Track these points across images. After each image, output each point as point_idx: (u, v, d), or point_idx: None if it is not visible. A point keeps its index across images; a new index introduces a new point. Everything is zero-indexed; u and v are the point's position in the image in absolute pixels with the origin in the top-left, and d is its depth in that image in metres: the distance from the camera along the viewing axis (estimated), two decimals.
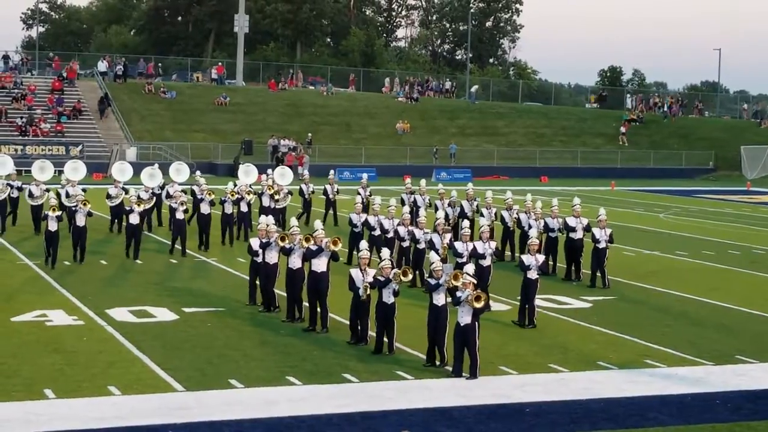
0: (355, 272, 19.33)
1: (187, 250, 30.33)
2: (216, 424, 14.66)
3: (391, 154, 71.63)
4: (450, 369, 17.71)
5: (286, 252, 21.43)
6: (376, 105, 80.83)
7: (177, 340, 19.52)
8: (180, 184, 34.26)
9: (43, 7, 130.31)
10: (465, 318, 17.31)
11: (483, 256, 23.21)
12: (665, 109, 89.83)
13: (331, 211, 38.02)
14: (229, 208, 32.82)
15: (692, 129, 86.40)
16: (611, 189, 63.56)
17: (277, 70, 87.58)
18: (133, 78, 78.00)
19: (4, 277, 26.02)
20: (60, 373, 16.96)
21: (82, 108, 68.16)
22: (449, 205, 31.88)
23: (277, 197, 35.23)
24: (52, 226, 27.09)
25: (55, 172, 37.21)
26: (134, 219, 29.37)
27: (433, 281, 18.10)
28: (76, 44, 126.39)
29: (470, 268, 18.25)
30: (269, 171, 37.44)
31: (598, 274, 26.84)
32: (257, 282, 22.81)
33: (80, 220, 28.10)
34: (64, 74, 72.45)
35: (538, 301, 23.47)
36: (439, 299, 18.09)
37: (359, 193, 36.86)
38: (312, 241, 20.82)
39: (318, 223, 21.69)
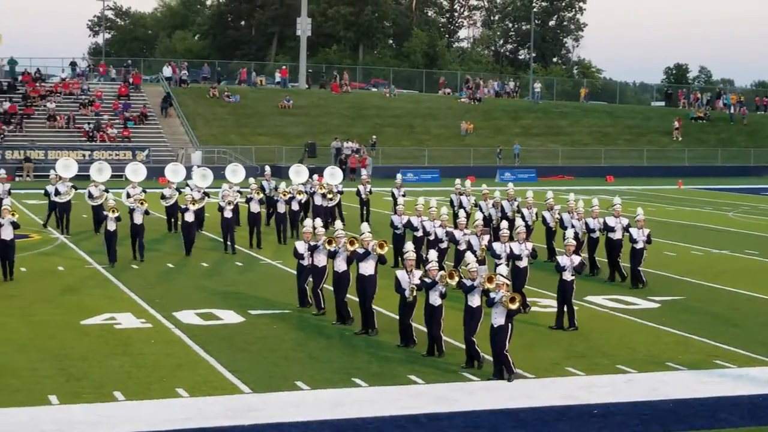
0: (401, 274, 19.26)
1: (244, 249, 31.11)
2: (283, 426, 14.72)
3: (454, 155, 71.45)
4: (463, 367, 17.73)
5: (332, 255, 21.45)
6: (439, 106, 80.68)
7: (243, 343, 19.63)
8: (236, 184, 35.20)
9: (109, 13, 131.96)
10: (498, 319, 17.19)
11: (519, 257, 22.96)
12: (729, 106, 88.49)
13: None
14: (282, 208, 33.69)
15: (760, 126, 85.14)
16: (678, 187, 62.79)
17: (331, 72, 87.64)
18: (197, 83, 78.70)
19: (73, 280, 26.38)
20: (129, 375, 17.14)
21: (147, 113, 68.91)
22: (493, 206, 31.78)
23: (330, 196, 35.71)
24: (111, 225, 28.15)
25: (122, 177, 37.63)
26: (189, 217, 30.54)
27: (468, 282, 18.03)
28: (141, 50, 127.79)
29: (504, 269, 18.08)
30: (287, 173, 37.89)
31: (614, 269, 26.79)
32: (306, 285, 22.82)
33: (137, 219, 29.29)
34: (130, 80, 73.32)
35: (605, 302, 23.32)
36: (474, 300, 17.99)
37: (393, 194, 37.10)
38: (357, 244, 20.82)
39: (365, 226, 21.66)
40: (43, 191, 36.66)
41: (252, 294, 24.73)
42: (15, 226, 26.22)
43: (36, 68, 74.11)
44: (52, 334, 20.01)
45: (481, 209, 31.81)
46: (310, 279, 22.36)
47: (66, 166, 36.81)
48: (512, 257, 22.90)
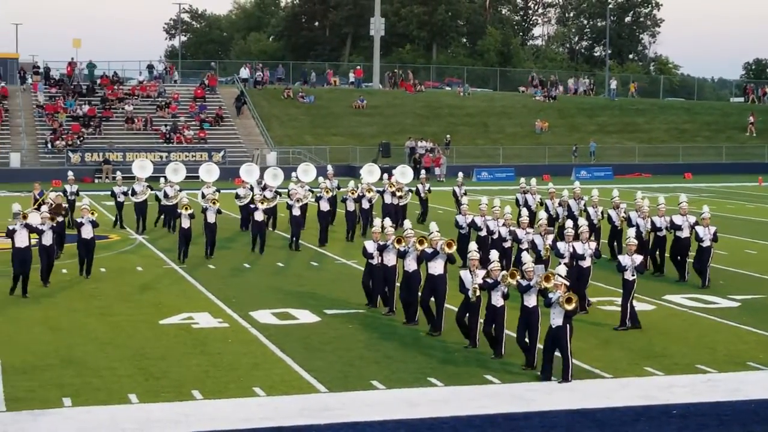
0: (464, 274, 19.12)
1: (313, 246, 31.87)
2: (359, 425, 14.73)
3: (529, 153, 71.03)
4: (539, 372, 17.45)
5: (401, 255, 21.39)
6: (514, 104, 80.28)
7: (319, 342, 19.70)
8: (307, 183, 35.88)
9: (185, 16, 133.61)
10: (557, 320, 16.97)
11: (582, 257, 22.68)
12: None
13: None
14: (351, 206, 34.08)
15: None
16: (759, 184, 61.70)
17: (406, 71, 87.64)
18: (272, 84, 79.26)
19: (152, 279, 26.72)
20: (206, 374, 17.30)
21: (223, 115, 69.57)
22: (559, 204, 31.50)
23: (399, 194, 35.85)
24: (185, 223, 28.91)
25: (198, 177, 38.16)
26: (259, 216, 30.99)
27: (524, 282, 17.86)
28: (217, 52, 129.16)
29: (562, 269, 17.86)
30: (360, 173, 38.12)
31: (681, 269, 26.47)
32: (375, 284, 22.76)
33: (210, 218, 29.85)
34: (206, 82, 74.09)
35: (684, 301, 23.00)
36: (530, 300, 17.80)
37: (455, 193, 37.10)
38: (426, 244, 20.72)
39: (433, 225, 21.57)
40: (110, 192, 37.45)
41: (327, 293, 24.81)
42: (94, 225, 26.77)
43: (114, 72, 75.29)
44: (131, 334, 20.28)
45: (547, 208, 31.61)
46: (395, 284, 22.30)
47: (142, 167, 37.61)
48: (575, 257, 22.68)
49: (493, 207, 27.33)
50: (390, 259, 21.93)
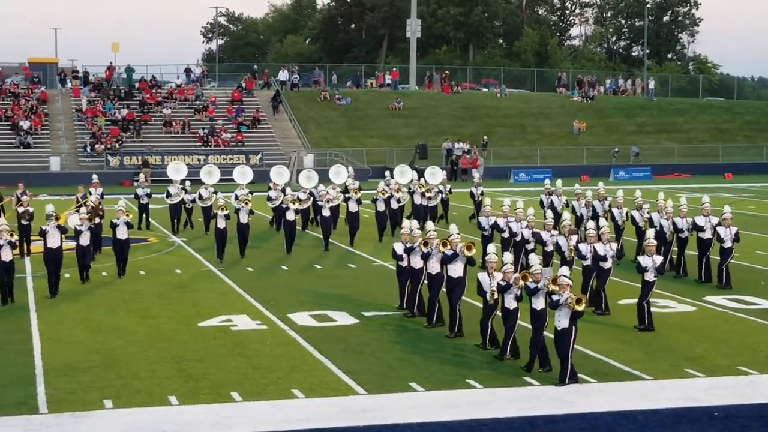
0: (482, 276, 19.00)
1: (344, 246, 32.44)
2: (398, 427, 14.72)
3: (567, 154, 70.71)
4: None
5: (424, 257, 21.33)
6: (551, 105, 79.93)
7: (357, 344, 19.70)
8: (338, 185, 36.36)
9: (222, 20, 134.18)
10: (562, 322, 16.84)
11: (604, 258, 22.52)
12: None
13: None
14: (381, 206, 34.49)
15: None
16: None
17: (441, 72, 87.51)
18: (308, 86, 79.43)
19: (190, 282, 26.83)
20: (245, 376, 17.35)
21: (260, 117, 69.83)
22: (585, 205, 31.29)
23: (429, 195, 36.03)
24: (221, 223, 29.43)
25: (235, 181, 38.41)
26: (290, 216, 31.65)
27: (531, 285, 17.74)
28: (254, 55, 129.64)
29: (565, 270, 17.61)
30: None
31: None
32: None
33: (243, 218, 30.51)
34: (243, 85, 74.38)
35: (725, 302, 22.78)
36: (538, 303, 17.69)
37: (472, 194, 37.25)
38: (449, 246, 20.64)
39: (453, 227, 21.49)
40: (133, 195, 37.77)
41: (364, 295, 24.81)
42: (129, 225, 27.48)
43: (152, 75, 75.76)
44: (171, 336, 20.38)
45: (573, 209, 31.49)
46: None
47: (176, 169, 38.20)
48: (597, 258, 22.52)
49: (516, 208, 27.12)
50: (416, 261, 21.87)
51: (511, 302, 18.29)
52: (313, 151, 65.14)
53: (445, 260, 20.65)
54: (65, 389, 16.46)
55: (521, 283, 17.97)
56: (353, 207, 33.79)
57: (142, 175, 40.25)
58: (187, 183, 36.85)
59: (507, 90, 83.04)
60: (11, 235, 23.59)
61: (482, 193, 37.33)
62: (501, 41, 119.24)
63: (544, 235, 24.90)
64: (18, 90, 69.49)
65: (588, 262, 22.81)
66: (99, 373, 17.49)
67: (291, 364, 18.20)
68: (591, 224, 23.98)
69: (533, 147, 71.07)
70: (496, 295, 18.61)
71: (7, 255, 23.42)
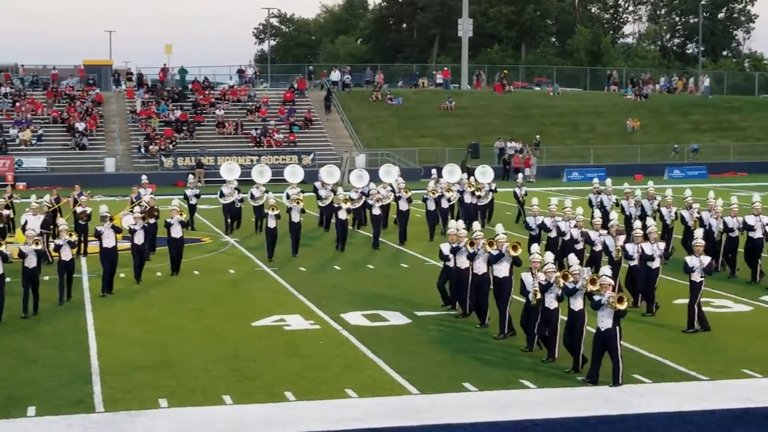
0: (526, 276, 18.84)
1: (394, 245, 32.87)
2: (451, 427, 14.69)
3: (621, 153, 70.08)
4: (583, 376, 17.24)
5: (470, 257, 21.19)
6: (604, 103, 79.29)
7: (410, 344, 19.69)
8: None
9: (274, 21, 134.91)
10: (605, 322, 16.67)
11: (651, 258, 22.24)
12: None
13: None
14: (431, 206, 34.61)
15: None
16: None
17: (494, 72, 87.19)
18: (360, 86, 79.52)
19: (244, 282, 26.98)
20: (299, 376, 17.40)
21: (312, 118, 70.02)
22: (634, 205, 30.98)
23: (478, 194, 36.13)
24: (272, 222, 29.97)
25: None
26: (342, 215, 32.10)
27: (570, 285, 17.58)
28: (306, 56, 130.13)
29: (607, 269, 17.43)
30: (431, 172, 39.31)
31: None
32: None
33: (295, 217, 30.74)
34: (295, 85, 74.64)
35: None
36: (576, 304, 17.53)
37: (515, 194, 37.60)
38: (494, 246, 20.47)
39: (499, 227, 21.32)
40: (182, 195, 37.88)
41: (417, 295, 24.75)
42: (183, 224, 28.14)
43: (204, 77, 76.25)
44: (225, 336, 20.50)
45: (623, 209, 31.22)
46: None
47: (229, 169, 38.58)
48: (644, 258, 22.27)
49: (564, 208, 26.87)
50: (462, 261, 21.73)
51: (551, 302, 18.15)
52: (365, 151, 65.19)
53: (491, 260, 20.53)
54: (121, 388, 16.62)
55: (561, 282, 17.84)
56: (403, 206, 33.99)
57: (191, 176, 40.58)
58: (234, 183, 37.00)
59: (560, 89, 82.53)
60: (70, 234, 24.34)
61: (526, 194, 37.42)
62: (553, 40, 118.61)
63: (593, 234, 24.67)
64: (73, 92, 70.32)
65: (635, 263, 22.57)
66: (154, 372, 17.64)
67: (344, 363, 18.23)
68: (638, 224, 23.74)
69: (586, 146, 70.56)
70: (539, 295, 18.47)
71: (67, 254, 24.06)
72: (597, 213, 26.05)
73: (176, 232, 27.84)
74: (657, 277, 22.57)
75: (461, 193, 36.34)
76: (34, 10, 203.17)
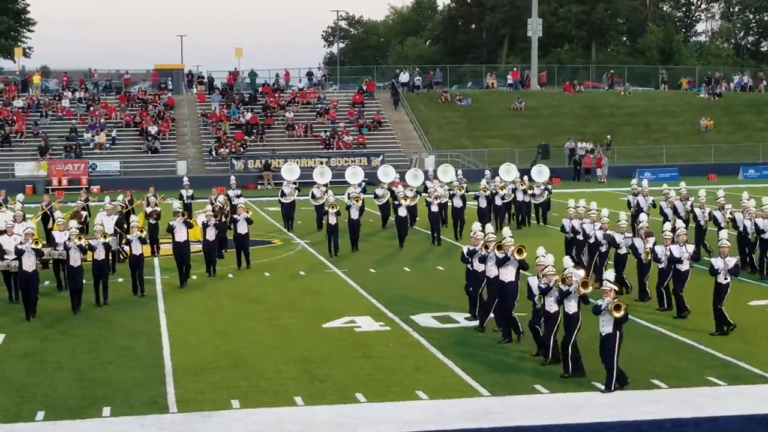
0: (532, 280, 18.45)
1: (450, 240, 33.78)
2: (522, 429, 14.62)
3: (694, 152, 69.19)
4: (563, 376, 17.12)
5: (482, 259, 20.86)
6: (677, 103, 78.32)
7: (480, 345, 19.62)
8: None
9: (343, 23, 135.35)
10: (606, 328, 16.43)
11: (680, 260, 21.78)
12: None
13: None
14: (483, 203, 35.88)
15: None
16: None
17: (572, 72, 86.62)
18: (429, 88, 79.42)
19: (314, 283, 27.09)
20: (369, 377, 17.43)
21: (381, 119, 70.12)
22: (669, 206, 30.49)
23: (531, 192, 37.53)
24: (332, 219, 31.35)
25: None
26: (402, 212, 33.63)
27: (564, 287, 17.29)
28: (374, 57, 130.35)
29: (610, 274, 17.06)
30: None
31: None
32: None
33: (354, 214, 32.46)
34: (364, 87, 74.82)
35: None
36: (570, 306, 17.24)
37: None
38: (502, 250, 20.06)
39: (506, 231, 21.02)
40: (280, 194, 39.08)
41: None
42: (248, 221, 29.31)
43: (275, 79, 76.73)
44: (295, 337, 20.60)
45: (661, 210, 30.77)
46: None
47: (290, 170, 40.48)
48: (672, 260, 21.87)
49: (589, 210, 26.35)
50: (478, 264, 21.36)
51: (551, 305, 17.76)
52: (434, 153, 65.15)
53: (498, 263, 20.13)
54: (194, 389, 16.78)
55: (560, 285, 17.49)
56: (458, 203, 35.27)
57: (233, 178, 41.27)
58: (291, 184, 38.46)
59: (631, 88, 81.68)
60: (141, 231, 25.73)
61: (536, 194, 38.30)
62: (624, 39, 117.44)
63: (618, 237, 24.18)
64: (146, 96, 71.22)
65: (663, 265, 22.17)
66: (226, 373, 17.79)
67: (414, 365, 18.22)
68: (667, 225, 23.27)
69: (658, 146, 69.78)
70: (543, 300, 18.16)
71: (137, 249, 25.39)
72: (623, 215, 25.50)
73: (242, 228, 29.12)
74: (686, 280, 22.01)
75: (514, 191, 37.45)
76: (107, 16, 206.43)
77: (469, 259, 21.60)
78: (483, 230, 21.48)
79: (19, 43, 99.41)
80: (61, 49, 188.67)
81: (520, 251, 19.79)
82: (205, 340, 20.52)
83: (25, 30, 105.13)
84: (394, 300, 24.26)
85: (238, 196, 37.19)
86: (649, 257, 22.89)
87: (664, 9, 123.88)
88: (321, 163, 57.72)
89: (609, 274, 17.10)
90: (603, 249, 24.89)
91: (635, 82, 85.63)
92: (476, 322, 21.27)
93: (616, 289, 16.76)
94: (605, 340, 16.46)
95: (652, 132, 73.07)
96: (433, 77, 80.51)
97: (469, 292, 21.91)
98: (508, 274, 19.95)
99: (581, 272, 17.92)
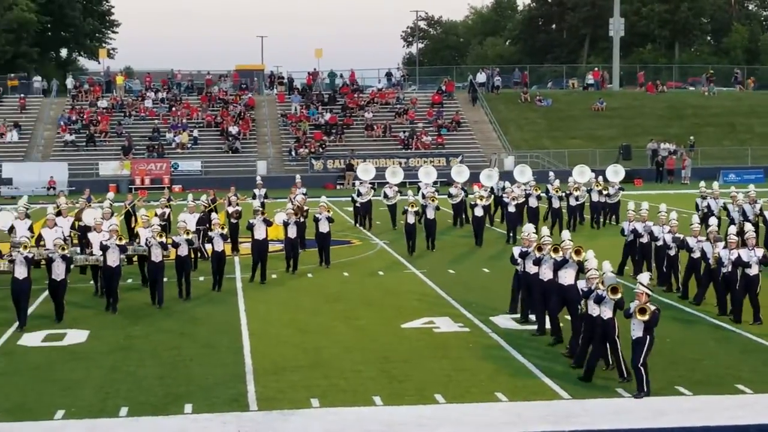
0: (581, 284, 17.95)
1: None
2: None
3: None
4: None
5: (537, 262, 20.53)
6: (763, 103, 76.85)
7: (561, 347, 19.40)
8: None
9: (422, 24, 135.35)
10: (636, 331, 16.04)
11: (748, 265, 21.17)
12: None
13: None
14: (556, 203, 35.96)
15: None
16: None
17: (655, 72, 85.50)
18: (509, 88, 79.07)
19: (393, 283, 27.09)
20: (448, 378, 17.36)
21: (460, 120, 69.95)
22: (738, 209, 29.84)
23: (606, 192, 37.78)
24: (410, 218, 31.94)
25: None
26: (479, 212, 33.88)
27: (586, 289, 16.98)
28: (453, 58, 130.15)
29: (644, 277, 16.63)
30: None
31: None
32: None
33: (430, 214, 32.67)
34: (443, 88, 74.71)
35: None
36: (605, 312, 16.83)
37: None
38: (560, 252, 19.68)
39: (565, 233, 20.66)
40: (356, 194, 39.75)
41: None
42: (330, 220, 29.86)
43: (354, 79, 76.94)
44: (375, 337, 20.61)
45: (728, 213, 30.12)
46: None
47: (365, 170, 42.04)
48: (740, 264, 21.28)
49: (658, 212, 25.87)
50: (530, 266, 21.06)
51: (593, 308, 17.27)
52: (513, 153, 64.82)
53: (556, 266, 19.75)
54: (274, 387, 16.87)
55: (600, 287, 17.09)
56: (533, 203, 35.73)
57: (258, 178, 41.88)
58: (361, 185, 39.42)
59: (715, 88, 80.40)
60: (222, 228, 26.45)
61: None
62: (708, 38, 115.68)
63: (691, 241, 23.63)
64: (227, 97, 71.95)
65: (727, 269, 21.59)
66: (306, 372, 17.86)
67: (494, 366, 18.11)
68: (732, 229, 22.67)
69: (743, 147, 68.55)
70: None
71: (219, 245, 25.88)
72: (695, 218, 25.00)
73: (324, 227, 29.54)
74: (758, 284, 21.44)
75: (589, 191, 37.70)
76: (189, 18, 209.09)
77: (519, 261, 21.38)
78: (537, 232, 21.33)
79: (104, 45, 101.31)
80: (144, 50, 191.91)
81: (578, 252, 19.37)
82: (285, 339, 20.62)
83: (109, 31, 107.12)
84: (472, 301, 24.14)
85: (265, 196, 38.09)
86: (716, 262, 22.44)
87: (750, 8, 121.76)
88: (399, 163, 57.83)
89: (643, 277, 16.75)
90: (672, 253, 24.53)
91: (719, 83, 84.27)
92: (535, 327, 21.07)
93: (649, 292, 16.36)
94: (636, 344, 16.16)
95: (737, 133, 71.82)
96: (513, 77, 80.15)
97: (519, 293, 21.83)
98: (567, 276, 19.41)
99: (613, 276, 17.54)
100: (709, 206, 32.04)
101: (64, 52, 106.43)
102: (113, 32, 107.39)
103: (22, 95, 71.44)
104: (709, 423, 14.79)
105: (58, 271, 22.25)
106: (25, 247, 21.85)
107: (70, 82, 74.50)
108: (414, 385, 16.95)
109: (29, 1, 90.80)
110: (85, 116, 67.63)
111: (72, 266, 23.66)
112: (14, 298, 21.70)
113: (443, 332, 21.06)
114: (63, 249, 22.38)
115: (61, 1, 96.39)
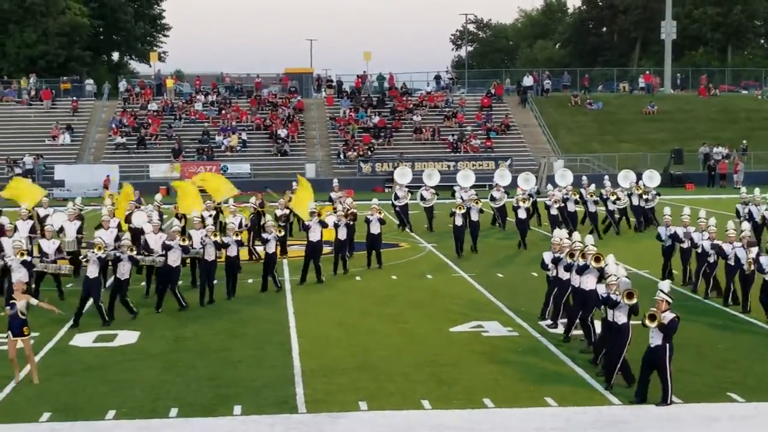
0: (601, 289, 17.70)
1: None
2: None
3: None
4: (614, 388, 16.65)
5: (568, 267, 20.30)
6: None
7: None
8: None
9: (471, 27, 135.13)
10: (655, 340, 15.77)
11: None
12: None
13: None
14: (592, 207, 36.40)
15: None
16: None
17: (708, 75, 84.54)
18: (558, 91, 78.69)
19: (441, 287, 27.03)
20: (497, 382, 17.29)
21: (510, 123, 69.71)
22: None
23: (646, 196, 37.79)
24: (458, 221, 32.20)
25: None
26: (522, 214, 34.07)
27: (613, 297, 16.69)
28: (503, 61, 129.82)
29: (665, 285, 16.29)
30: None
31: None
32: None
33: (474, 216, 33.20)
34: (492, 91, 74.51)
35: None
36: (620, 317, 16.61)
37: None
38: (583, 257, 19.43)
39: (589, 238, 20.40)
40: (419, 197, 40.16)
41: None
42: (381, 222, 30.21)
43: (402, 83, 77.01)
44: (423, 341, 20.57)
45: (764, 218, 29.65)
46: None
47: (402, 174, 42.74)
48: None
49: (698, 218, 25.49)
50: (563, 272, 20.76)
51: (612, 315, 17.05)
52: (563, 157, 64.47)
53: (577, 271, 19.56)
54: (322, 390, 16.89)
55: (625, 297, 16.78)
56: (571, 207, 36.01)
57: (335, 181, 41.93)
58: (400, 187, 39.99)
59: None
60: (279, 231, 27.69)
61: (649, 199, 38.00)
62: (762, 41, 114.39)
63: (726, 247, 23.35)
64: (276, 100, 72.26)
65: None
66: (354, 375, 17.86)
67: (543, 371, 18.01)
68: None
69: None
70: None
71: (271, 248, 26.43)
72: (731, 224, 24.49)
73: (375, 228, 29.88)
74: None
75: (629, 196, 37.80)
76: (239, 21, 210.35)
77: (549, 267, 21.27)
78: (570, 237, 21.16)
79: (155, 48, 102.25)
80: (194, 54, 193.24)
81: (597, 259, 19.16)
82: (333, 341, 20.64)
83: (160, 35, 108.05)
84: (522, 305, 24.03)
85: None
86: (752, 267, 22.15)
87: None
88: (449, 167, 57.77)
89: (663, 285, 16.45)
90: (711, 260, 24.24)
91: None
92: (560, 330, 20.93)
93: (669, 300, 16.05)
94: (654, 352, 15.89)
95: None
96: (562, 80, 79.74)
97: (555, 300, 21.56)
98: (588, 282, 19.30)
99: (628, 281, 17.35)
100: (750, 213, 31.64)
101: (115, 56, 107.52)
102: (164, 36, 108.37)
103: (74, 98, 72.28)
104: (762, 430, 14.61)
105: (123, 270, 22.89)
106: (99, 248, 22.45)
107: (122, 85, 75.23)
108: (462, 389, 16.90)
109: (82, 5, 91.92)
110: (135, 119, 68.25)
111: (34, 271, 23.88)
112: (83, 296, 22.31)
113: (492, 336, 20.99)
114: (131, 250, 23.20)
115: (114, 6, 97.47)
